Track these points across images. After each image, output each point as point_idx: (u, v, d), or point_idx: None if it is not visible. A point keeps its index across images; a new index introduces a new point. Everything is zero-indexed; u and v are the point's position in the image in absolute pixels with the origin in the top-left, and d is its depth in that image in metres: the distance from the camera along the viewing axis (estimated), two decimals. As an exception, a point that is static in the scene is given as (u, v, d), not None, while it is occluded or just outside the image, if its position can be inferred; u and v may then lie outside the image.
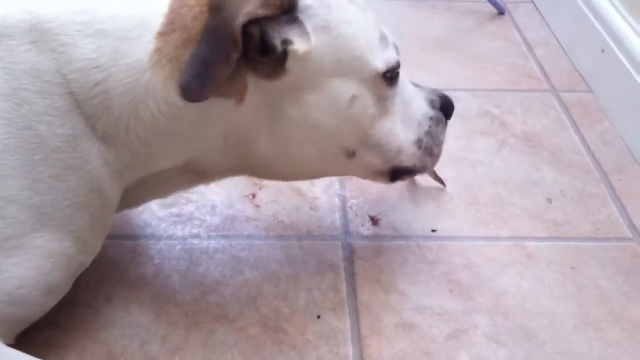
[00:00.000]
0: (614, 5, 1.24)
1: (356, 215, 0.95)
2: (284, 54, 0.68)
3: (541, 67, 1.31)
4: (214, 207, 0.95)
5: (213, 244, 0.89)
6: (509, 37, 1.40)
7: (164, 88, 0.66)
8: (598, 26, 1.25)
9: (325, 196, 0.98)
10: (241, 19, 0.63)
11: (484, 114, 1.17)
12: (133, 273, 0.85)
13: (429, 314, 0.82)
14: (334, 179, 1.00)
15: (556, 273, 0.88)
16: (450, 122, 1.12)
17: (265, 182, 0.99)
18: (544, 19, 1.47)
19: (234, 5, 0.64)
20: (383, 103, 0.77)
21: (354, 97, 0.73)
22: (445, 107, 0.86)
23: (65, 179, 0.65)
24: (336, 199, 0.97)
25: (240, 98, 0.69)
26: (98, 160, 0.67)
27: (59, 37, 0.64)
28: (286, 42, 0.67)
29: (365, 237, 0.92)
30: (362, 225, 0.93)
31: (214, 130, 0.71)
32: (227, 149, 0.74)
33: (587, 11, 1.30)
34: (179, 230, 0.91)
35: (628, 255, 0.91)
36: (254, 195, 0.97)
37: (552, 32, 1.43)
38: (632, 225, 0.96)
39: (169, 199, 0.94)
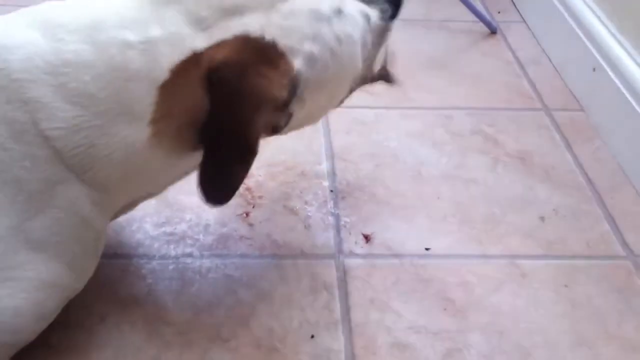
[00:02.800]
0: (604, 24, 1.25)
1: (350, 233, 0.95)
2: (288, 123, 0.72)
3: (533, 86, 1.32)
4: (207, 225, 0.94)
5: (206, 263, 0.89)
6: (501, 56, 1.41)
7: (165, 158, 0.67)
8: (589, 45, 1.26)
9: (319, 215, 0.98)
10: (259, 132, 0.66)
11: (477, 132, 1.17)
12: (126, 292, 0.84)
13: (424, 333, 0.81)
14: (328, 197, 1.00)
15: (550, 291, 0.88)
16: (443, 139, 1.14)
17: (259, 200, 0.99)
18: (535, 38, 1.49)
19: (245, 106, 0.64)
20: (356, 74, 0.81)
21: (334, 96, 0.80)
22: (394, 14, 0.83)
23: (53, 217, 0.64)
24: (330, 218, 0.97)
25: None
26: (86, 200, 0.66)
27: (30, 91, 0.61)
28: (290, 115, 0.71)
29: (359, 256, 0.92)
30: (355, 243, 0.93)
31: None
32: None
33: (578, 30, 1.31)
34: (172, 250, 0.90)
35: (621, 273, 0.91)
36: (247, 214, 0.97)
37: (544, 51, 1.44)
38: (625, 244, 0.96)
39: (162, 218, 0.94)
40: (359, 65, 0.78)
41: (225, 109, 0.63)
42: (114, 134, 0.63)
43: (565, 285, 0.89)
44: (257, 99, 0.64)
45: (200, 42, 0.64)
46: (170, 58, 0.63)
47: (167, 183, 0.77)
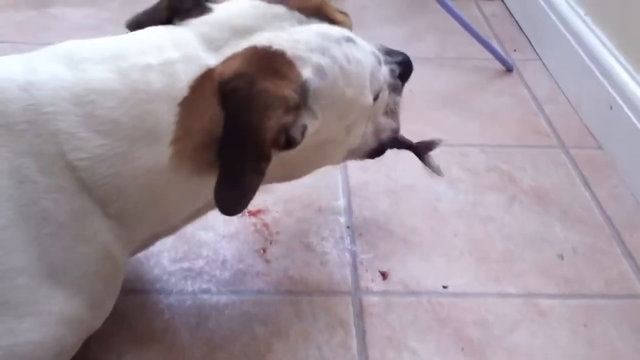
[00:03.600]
0: (620, 62, 1.25)
1: (366, 270, 0.95)
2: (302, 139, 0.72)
3: (550, 123, 1.32)
4: (224, 261, 0.95)
5: (223, 299, 0.89)
6: (517, 94, 1.42)
7: (186, 181, 0.68)
8: (605, 83, 1.27)
9: (335, 251, 0.98)
10: (272, 131, 0.66)
11: (492, 169, 1.17)
12: (143, 328, 0.84)
13: (440, 372, 0.81)
14: (344, 233, 1.01)
15: (568, 331, 0.87)
16: (459, 176, 1.15)
17: (276, 237, 0.99)
18: (552, 76, 1.49)
19: (255, 115, 0.65)
20: (368, 116, 0.83)
21: (349, 131, 0.80)
22: (403, 75, 0.89)
23: (76, 251, 0.65)
24: (347, 254, 0.97)
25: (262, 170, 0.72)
26: (109, 234, 0.67)
27: (58, 124, 0.63)
28: (304, 129, 0.70)
29: (376, 293, 0.91)
30: (372, 281, 0.93)
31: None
32: None
33: (593, 68, 1.32)
34: (189, 285, 0.91)
35: (641, 313, 0.90)
36: (264, 250, 0.97)
37: (560, 89, 1.44)
38: (644, 283, 0.95)
39: (180, 253, 0.95)
40: (369, 95, 0.79)
41: (237, 114, 0.65)
42: (137, 159, 0.65)
43: (584, 325, 0.88)
44: (266, 98, 0.65)
45: (213, 59, 0.68)
46: (187, 75, 0.66)
47: (187, 216, 0.77)
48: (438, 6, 1.49)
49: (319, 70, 0.71)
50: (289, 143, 0.70)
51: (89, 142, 0.64)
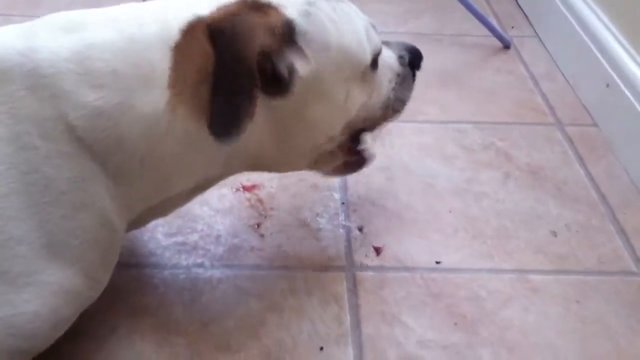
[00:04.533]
0: (618, 40, 1.25)
1: (361, 246, 0.95)
2: (291, 77, 0.72)
3: (546, 101, 1.32)
4: (218, 236, 0.95)
5: (217, 273, 0.89)
6: (514, 71, 1.42)
7: (183, 126, 0.68)
8: (602, 60, 1.26)
9: (330, 227, 0.98)
10: (256, 51, 0.66)
11: (488, 146, 1.17)
12: (137, 302, 0.85)
13: (433, 347, 0.81)
14: (339, 209, 1.01)
15: (560, 307, 0.87)
16: (455, 153, 1.15)
17: (271, 212, 0.99)
18: (549, 53, 1.49)
19: (240, 40, 0.66)
20: (368, 85, 0.81)
21: (347, 94, 0.78)
22: (413, 61, 0.89)
23: (75, 218, 0.66)
24: (341, 230, 0.98)
25: (250, 117, 0.70)
26: (107, 197, 0.68)
27: (59, 85, 0.64)
28: (291, 68, 0.71)
29: (370, 269, 0.92)
30: (366, 256, 0.93)
31: (226, 151, 0.73)
32: (235, 161, 0.77)
33: (591, 45, 1.31)
34: (183, 260, 0.91)
35: (633, 290, 0.91)
36: (258, 225, 0.97)
37: (557, 66, 1.44)
38: (637, 260, 0.96)
39: (174, 228, 0.95)
40: (365, 47, 0.78)
41: (224, 43, 0.67)
42: (135, 107, 0.66)
43: (577, 302, 0.88)
44: (251, 24, 0.68)
45: (204, 9, 0.70)
46: (179, 22, 0.69)
47: (184, 186, 0.76)
48: (436, -18, 1.47)
49: (305, 14, 0.73)
50: (278, 82, 0.71)
51: (87, 98, 0.65)
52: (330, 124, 0.80)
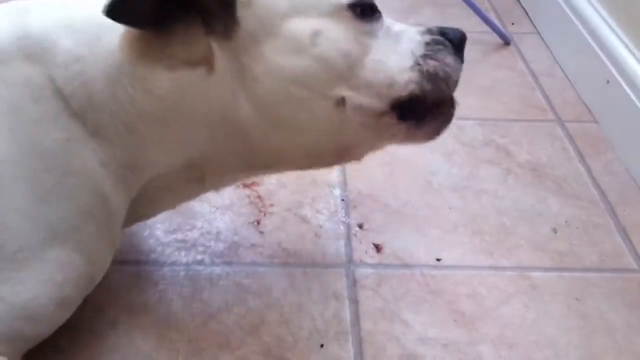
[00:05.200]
0: (618, 36, 1.25)
1: (360, 243, 0.95)
2: (232, 2, 0.65)
3: (547, 98, 1.32)
4: (218, 233, 0.95)
5: (217, 270, 0.89)
6: (514, 68, 1.41)
7: (135, 66, 0.66)
8: (603, 57, 1.26)
9: (329, 224, 0.98)
10: None
11: (489, 143, 1.17)
12: (137, 298, 0.84)
13: (433, 344, 0.81)
14: (339, 205, 1.00)
15: (561, 304, 0.87)
16: (455, 149, 1.14)
17: (270, 208, 0.99)
18: (549, 49, 1.48)
19: None
20: (362, 39, 0.69)
21: (316, 34, 0.67)
22: (452, 38, 0.76)
23: (66, 185, 0.65)
24: (341, 227, 0.97)
25: (209, 66, 0.66)
26: (95, 160, 0.67)
27: (45, 43, 0.65)
28: (234, 13, 0.65)
29: (370, 266, 0.92)
30: (366, 253, 0.93)
31: (196, 110, 0.68)
32: (216, 137, 0.70)
33: (592, 42, 1.31)
34: (183, 257, 0.91)
35: (633, 287, 0.91)
36: (258, 222, 0.97)
37: (557, 63, 1.43)
38: (637, 257, 0.96)
39: (174, 225, 0.95)
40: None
41: None
42: (100, 47, 0.66)
43: (577, 299, 0.88)
44: None
45: None
46: None
47: (167, 152, 0.71)
48: (436, -22, 1.47)
49: None
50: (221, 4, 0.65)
51: (64, 45, 0.65)
52: (306, 73, 0.67)
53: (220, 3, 0.65)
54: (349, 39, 0.68)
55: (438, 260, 0.93)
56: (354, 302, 0.86)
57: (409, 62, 0.71)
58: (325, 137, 0.72)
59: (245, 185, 1.02)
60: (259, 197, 1.01)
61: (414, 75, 0.70)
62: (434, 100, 0.72)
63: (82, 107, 0.66)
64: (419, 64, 0.71)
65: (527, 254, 0.95)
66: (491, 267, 0.92)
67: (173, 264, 0.90)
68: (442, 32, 0.76)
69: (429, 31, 0.75)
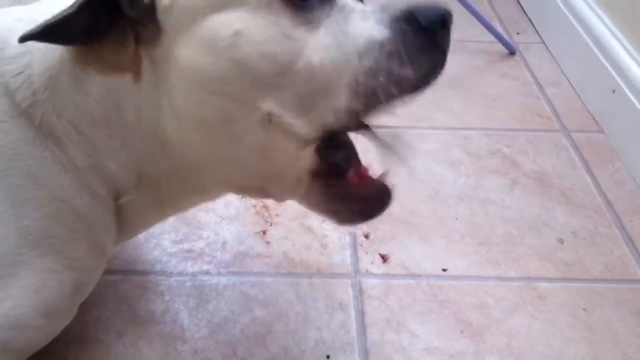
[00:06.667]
0: (624, 46, 1.25)
1: (366, 253, 0.95)
2: (152, 6, 0.60)
3: (552, 107, 1.32)
4: (224, 243, 0.95)
5: (223, 280, 0.89)
6: (519, 77, 1.41)
7: (72, 65, 0.64)
8: (608, 67, 1.26)
9: (335, 234, 0.98)
10: None
11: (494, 152, 1.17)
12: (143, 309, 0.84)
13: (440, 355, 0.81)
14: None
15: (568, 315, 0.87)
16: (461, 159, 1.14)
17: (276, 218, 0.99)
18: (554, 59, 1.48)
19: None
20: (296, 34, 0.58)
21: (237, 34, 0.57)
22: (425, 22, 0.59)
23: (28, 188, 0.63)
24: (346, 237, 0.97)
25: (137, 73, 0.62)
26: (53, 163, 0.64)
27: (2, 40, 0.64)
28: (153, 15, 0.60)
29: (376, 276, 0.91)
30: (372, 263, 0.93)
31: (128, 119, 0.64)
32: (151, 150, 0.66)
33: (597, 52, 1.31)
34: (189, 267, 0.91)
35: (641, 298, 0.90)
36: (264, 232, 0.97)
37: (563, 73, 1.43)
38: (644, 267, 0.95)
39: (180, 235, 0.95)
40: None
41: None
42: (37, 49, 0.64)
43: (584, 309, 0.88)
44: None
45: None
46: None
47: (115, 157, 0.66)
48: (441, -12, 1.47)
49: None
50: (134, 2, 0.60)
51: (14, 40, 0.62)
52: (223, 78, 0.58)
53: (140, 11, 0.61)
54: (276, 37, 0.57)
55: (444, 270, 0.93)
56: (360, 312, 0.86)
57: (349, 76, 0.58)
58: (250, 160, 0.63)
59: (251, 195, 1.03)
60: (265, 207, 1.01)
61: (349, 102, 0.58)
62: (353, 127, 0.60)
63: (29, 104, 0.64)
64: (357, 83, 0.57)
65: (534, 264, 0.95)
66: (498, 278, 0.92)
67: (179, 274, 0.90)
68: (409, 17, 0.59)
69: (392, 17, 0.59)
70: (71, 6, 0.58)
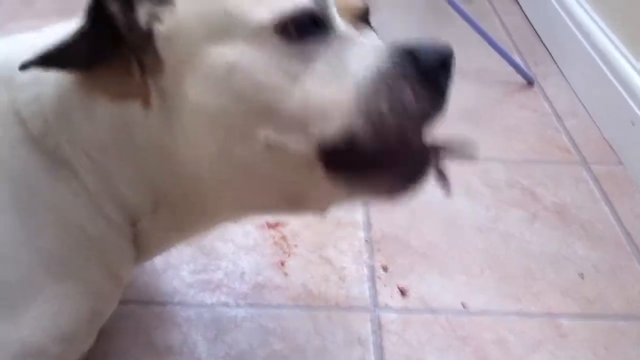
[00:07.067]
0: (644, 78, 1.24)
1: (385, 286, 0.94)
2: (151, 35, 0.60)
3: (571, 139, 1.31)
4: (242, 274, 0.95)
5: (241, 312, 0.89)
6: (538, 108, 1.41)
7: (81, 91, 0.64)
8: (627, 98, 1.26)
9: (354, 266, 0.97)
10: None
11: (513, 184, 1.16)
12: (161, 340, 0.84)
13: (459, 392, 0.80)
14: (363, 247, 1.00)
15: (589, 352, 0.86)
16: (479, 191, 1.14)
17: (295, 249, 0.99)
18: (573, 90, 1.48)
19: None
20: (292, 66, 0.58)
21: (232, 66, 0.58)
22: (424, 64, 0.57)
23: (41, 214, 0.63)
24: (365, 269, 0.97)
25: (145, 101, 0.62)
26: (66, 190, 0.64)
27: (13, 66, 0.62)
28: (154, 18, 0.60)
29: (394, 310, 0.91)
30: (391, 297, 0.93)
31: (139, 145, 0.64)
32: (165, 176, 0.66)
33: (616, 83, 1.30)
34: (207, 298, 0.91)
35: (663, 336, 0.89)
36: (282, 263, 0.97)
37: (581, 104, 1.43)
38: (667, 304, 0.94)
39: (199, 265, 0.95)
40: (262, 2, 0.58)
41: None
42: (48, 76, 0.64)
43: (605, 348, 0.87)
44: None
45: None
46: None
47: (138, 193, 0.67)
48: (460, 19, 1.48)
49: None
50: (133, 28, 0.60)
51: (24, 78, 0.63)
52: (223, 110, 0.59)
53: (138, 37, 0.60)
54: (271, 69, 0.57)
55: (464, 305, 0.92)
56: (379, 347, 0.85)
57: (347, 92, 0.57)
58: (264, 183, 0.63)
59: (270, 226, 1.02)
60: (283, 237, 1.01)
61: (349, 111, 0.57)
62: (379, 152, 0.57)
63: (40, 133, 0.64)
64: (358, 96, 0.57)
65: (555, 299, 0.94)
66: (518, 313, 0.91)
67: (197, 305, 0.89)
68: (409, 53, 0.58)
69: (392, 51, 0.58)
70: (71, 32, 0.59)
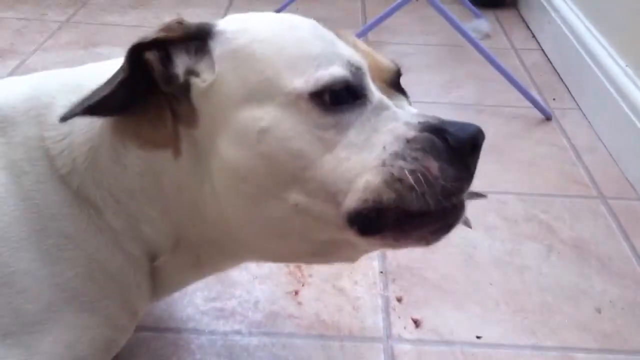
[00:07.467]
0: (662, 114, 1.24)
1: (399, 317, 0.94)
2: (187, 87, 0.62)
3: (589, 173, 1.31)
4: (256, 302, 0.95)
5: (254, 341, 0.89)
6: (556, 143, 1.41)
7: (112, 137, 0.66)
8: (647, 134, 1.25)
9: (368, 296, 0.97)
10: (148, 40, 0.61)
11: (530, 218, 1.16)
12: (173, 367, 0.84)
13: None
14: (377, 278, 1.00)
15: (606, 388, 0.85)
16: (496, 224, 1.13)
17: (309, 279, 0.99)
18: (591, 125, 1.48)
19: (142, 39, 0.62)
20: (325, 134, 0.59)
21: (264, 130, 0.59)
22: (453, 140, 0.60)
23: (64, 248, 0.65)
24: (379, 300, 0.97)
25: (176, 149, 0.64)
26: (89, 226, 0.66)
27: (46, 104, 0.66)
28: (191, 72, 0.62)
29: (408, 341, 0.90)
30: (404, 328, 0.92)
31: (168, 191, 0.66)
32: (192, 220, 0.67)
33: (634, 118, 1.30)
34: (221, 326, 0.91)
35: (683, 373, 0.88)
36: (296, 292, 0.97)
37: (599, 139, 1.43)
38: (686, 341, 0.93)
39: (213, 293, 0.95)
40: (297, 69, 0.60)
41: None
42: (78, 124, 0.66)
43: (623, 383, 0.85)
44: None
45: None
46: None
47: (160, 232, 0.68)
48: (478, 55, 1.49)
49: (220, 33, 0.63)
50: (170, 79, 0.62)
51: (58, 107, 0.65)
52: (254, 171, 0.60)
53: (175, 90, 0.62)
54: (304, 136, 0.59)
55: (478, 337, 0.91)
56: (392, 378, 0.85)
57: (375, 160, 0.58)
58: (292, 238, 0.64)
59: (285, 255, 1.03)
60: (297, 267, 1.01)
61: (375, 179, 0.58)
62: (401, 212, 0.59)
63: (68, 172, 0.66)
64: (384, 165, 0.58)
65: (571, 334, 0.92)
66: (533, 347, 0.90)
67: (211, 332, 0.89)
68: (440, 128, 0.60)
69: (423, 124, 0.61)
70: (109, 82, 0.60)
